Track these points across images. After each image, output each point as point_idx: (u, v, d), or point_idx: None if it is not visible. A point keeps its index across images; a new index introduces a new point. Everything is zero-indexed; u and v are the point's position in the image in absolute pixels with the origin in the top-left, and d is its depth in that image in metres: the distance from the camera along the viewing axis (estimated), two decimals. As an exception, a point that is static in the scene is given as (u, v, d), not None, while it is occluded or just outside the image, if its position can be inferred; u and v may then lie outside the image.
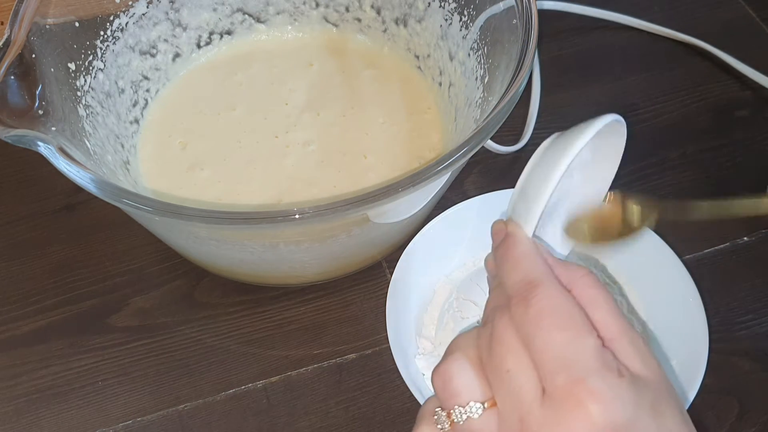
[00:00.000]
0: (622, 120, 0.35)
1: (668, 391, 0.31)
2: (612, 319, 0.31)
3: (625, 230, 0.37)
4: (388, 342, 0.46)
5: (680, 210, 0.37)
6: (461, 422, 0.31)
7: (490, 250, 0.52)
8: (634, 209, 0.37)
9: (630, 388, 0.29)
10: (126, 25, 0.56)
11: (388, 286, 0.48)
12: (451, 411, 0.31)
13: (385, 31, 0.62)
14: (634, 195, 0.37)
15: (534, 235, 0.34)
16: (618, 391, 0.28)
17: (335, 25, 0.64)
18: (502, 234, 0.34)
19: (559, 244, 0.38)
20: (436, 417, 0.32)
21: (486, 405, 0.30)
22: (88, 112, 0.51)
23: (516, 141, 0.62)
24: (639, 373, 0.30)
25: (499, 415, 0.30)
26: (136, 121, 0.58)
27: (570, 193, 0.38)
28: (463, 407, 0.31)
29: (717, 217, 0.37)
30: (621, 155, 0.37)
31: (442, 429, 0.31)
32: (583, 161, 0.37)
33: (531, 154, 0.61)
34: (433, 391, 0.46)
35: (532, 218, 0.33)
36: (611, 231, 0.37)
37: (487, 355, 0.31)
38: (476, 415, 0.30)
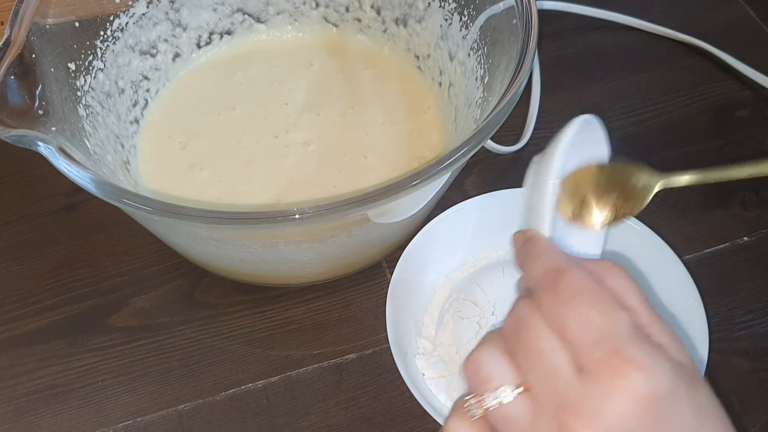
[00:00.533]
0: (594, 119, 0.36)
1: (700, 374, 0.31)
2: (643, 307, 0.31)
3: (627, 203, 0.37)
4: (388, 342, 0.46)
5: (685, 178, 0.37)
6: (493, 407, 0.30)
7: (489, 248, 0.53)
8: (640, 176, 0.37)
9: (667, 358, 0.29)
10: (126, 25, 0.56)
11: (388, 286, 0.48)
12: (482, 397, 0.31)
13: (385, 31, 0.62)
14: (634, 163, 0.37)
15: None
16: (657, 359, 0.28)
17: (335, 25, 0.64)
18: (522, 239, 0.35)
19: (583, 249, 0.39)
20: (467, 405, 0.31)
21: (518, 390, 0.30)
22: (88, 112, 0.51)
23: (516, 141, 0.62)
24: (672, 356, 0.30)
25: (533, 398, 0.30)
26: (136, 121, 0.58)
27: None
28: (494, 392, 0.31)
29: (720, 180, 0.37)
30: (606, 153, 0.38)
31: (473, 416, 0.31)
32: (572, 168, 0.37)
33: (531, 155, 0.61)
34: (433, 392, 0.46)
35: (544, 219, 0.34)
36: (611, 201, 0.37)
37: (516, 341, 0.31)
38: (508, 399, 0.30)
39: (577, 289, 0.30)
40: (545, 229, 0.34)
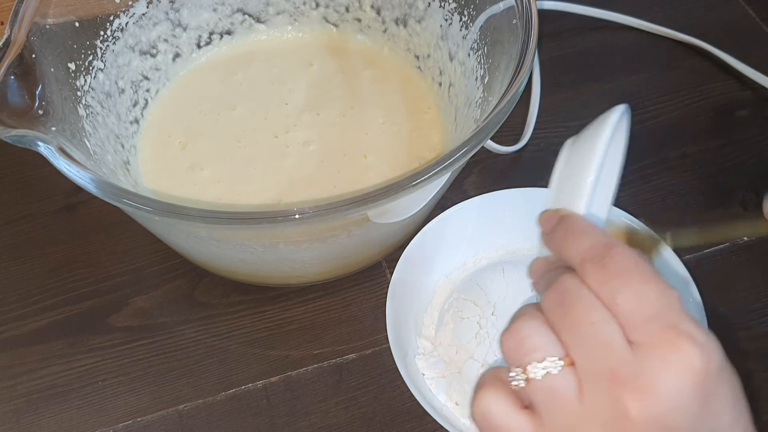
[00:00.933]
0: (628, 110, 0.37)
1: None
2: None
3: None
4: (388, 342, 0.46)
5: (686, 237, 0.37)
6: (540, 378, 0.30)
7: (490, 248, 0.53)
8: (644, 241, 0.38)
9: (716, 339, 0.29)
10: (126, 25, 0.56)
11: (388, 286, 0.48)
12: (527, 368, 0.30)
13: (385, 31, 0.62)
14: (639, 229, 0.38)
15: None
16: (709, 336, 0.29)
17: (335, 25, 0.64)
18: (555, 218, 0.34)
19: None
20: (513, 374, 0.31)
21: (564, 362, 0.30)
22: (88, 112, 0.51)
23: (516, 141, 0.62)
24: None
25: (580, 372, 0.29)
26: (136, 121, 0.58)
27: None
28: (541, 363, 0.30)
29: (720, 239, 0.38)
30: (626, 145, 0.38)
31: (517, 386, 0.30)
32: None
33: (531, 154, 0.61)
34: (433, 392, 0.46)
35: (582, 200, 0.34)
36: None
37: (562, 314, 0.30)
38: (556, 370, 0.30)
39: (629, 263, 0.30)
40: (581, 209, 0.34)
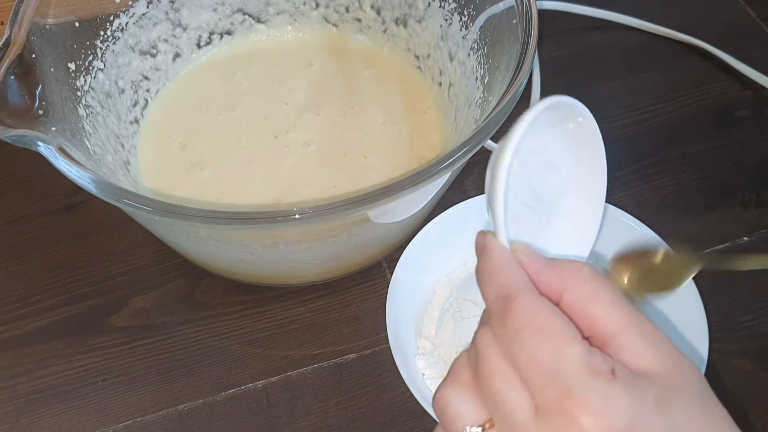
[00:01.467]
0: (569, 100, 0.33)
1: (685, 380, 0.29)
2: (616, 311, 0.29)
3: (667, 283, 0.38)
4: (388, 342, 0.46)
5: (722, 262, 0.38)
6: None
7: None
8: (679, 262, 0.38)
9: (625, 389, 0.27)
10: (126, 25, 0.56)
11: (388, 286, 0.48)
12: None
13: (385, 31, 0.62)
14: (676, 249, 0.38)
15: (526, 239, 0.34)
16: (609, 396, 0.27)
17: (335, 26, 0.64)
18: (481, 246, 0.33)
19: (566, 243, 0.38)
20: None
21: (486, 426, 0.30)
22: (88, 112, 0.51)
23: (516, 141, 0.62)
24: (646, 368, 0.29)
25: None
26: (136, 121, 0.58)
27: (568, 189, 0.37)
28: None
29: (758, 267, 0.38)
30: (599, 135, 0.35)
31: None
32: (556, 153, 0.36)
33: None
34: (433, 392, 0.46)
35: (499, 224, 0.32)
36: (653, 283, 0.39)
37: (476, 378, 0.31)
38: None
39: (525, 321, 0.29)
40: (501, 233, 0.32)
